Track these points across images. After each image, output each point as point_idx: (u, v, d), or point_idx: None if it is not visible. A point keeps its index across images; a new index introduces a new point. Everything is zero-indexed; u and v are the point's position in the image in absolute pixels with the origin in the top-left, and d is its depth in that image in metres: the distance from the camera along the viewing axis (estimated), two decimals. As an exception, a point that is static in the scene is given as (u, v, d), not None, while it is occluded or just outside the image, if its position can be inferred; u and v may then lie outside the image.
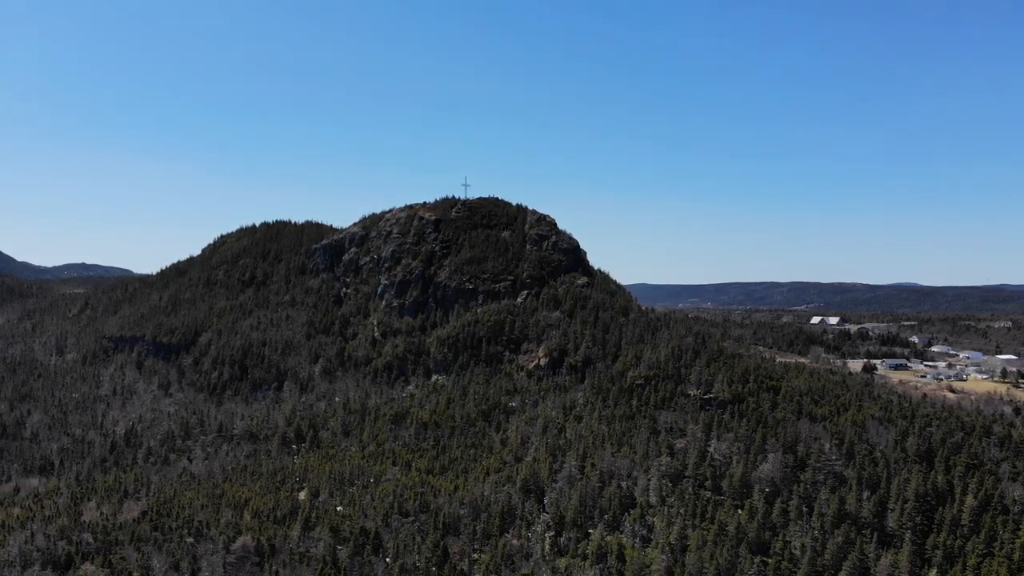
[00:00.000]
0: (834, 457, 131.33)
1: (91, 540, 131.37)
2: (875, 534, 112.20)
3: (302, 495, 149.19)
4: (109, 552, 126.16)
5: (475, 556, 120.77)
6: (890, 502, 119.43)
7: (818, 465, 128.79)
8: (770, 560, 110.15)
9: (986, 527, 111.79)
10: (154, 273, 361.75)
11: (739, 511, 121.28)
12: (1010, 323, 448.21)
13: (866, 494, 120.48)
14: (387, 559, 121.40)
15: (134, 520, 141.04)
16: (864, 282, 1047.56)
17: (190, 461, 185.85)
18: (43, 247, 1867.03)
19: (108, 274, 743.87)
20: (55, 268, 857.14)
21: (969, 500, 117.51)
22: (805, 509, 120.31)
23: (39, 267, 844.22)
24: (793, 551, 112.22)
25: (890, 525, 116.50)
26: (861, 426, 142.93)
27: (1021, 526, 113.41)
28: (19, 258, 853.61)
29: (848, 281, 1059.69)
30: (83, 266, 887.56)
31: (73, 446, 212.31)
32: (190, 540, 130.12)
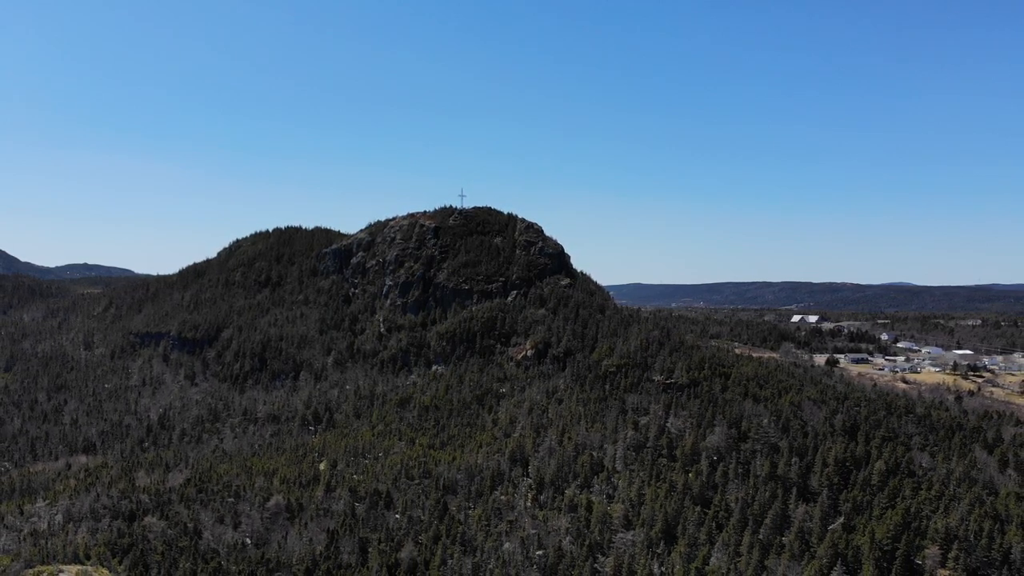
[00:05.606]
0: (771, 431, 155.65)
1: (147, 500, 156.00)
2: (795, 490, 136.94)
3: (322, 465, 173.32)
4: (165, 509, 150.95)
5: (470, 510, 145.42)
6: (814, 466, 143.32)
7: (756, 436, 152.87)
8: (709, 511, 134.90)
9: (891, 486, 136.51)
10: (157, 273, 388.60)
11: (688, 474, 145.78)
12: (980, 321, 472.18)
13: (795, 460, 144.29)
14: (397, 514, 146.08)
15: (181, 485, 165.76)
16: (856, 282, 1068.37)
17: (221, 440, 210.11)
18: (44, 248, 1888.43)
19: (110, 274, 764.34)
20: (58, 268, 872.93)
21: (879, 465, 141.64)
22: (742, 471, 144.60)
23: (42, 267, 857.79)
24: (729, 504, 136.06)
25: (812, 484, 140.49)
26: (798, 406, 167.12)
27: (922, 486, 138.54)
28: (23, 258, 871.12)
29: (839, 281, 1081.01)
30: (85, 266, 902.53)
31: (111, 429, 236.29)
32: (231, 500, 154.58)
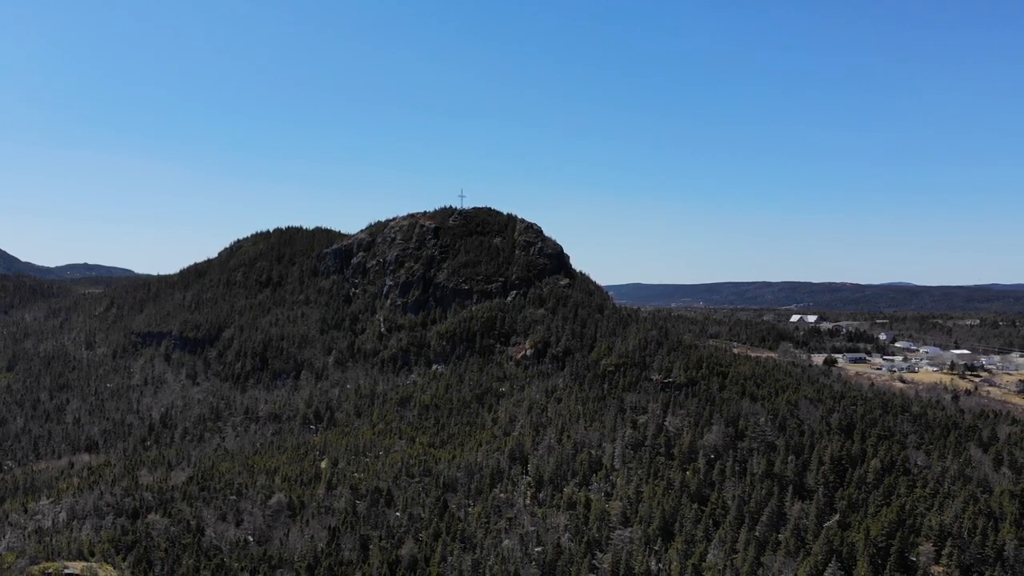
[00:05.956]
0: (768, 429, 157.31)
1: (150, 498, 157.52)
2: (791, 487, 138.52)
3: (323, 463, 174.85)
4: (168, 506, 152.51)
5: (469, 508, 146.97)
6: (810, 464, 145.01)
7: (753, 435, 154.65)
8: (706, 508, 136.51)
9: (886, 484, 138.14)
10: (157, 273, 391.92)
11: (685, 472, 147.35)
12: (978, 321, 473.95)
13: (791, 458, 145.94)
14: (397, 511, 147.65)
15: (183, 483, 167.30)
16: (856, 282, 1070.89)
17: (223, 439, 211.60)
18: (44, 248, 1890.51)
19: (111, 274, 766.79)
20: (58, 268, 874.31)
21: (875, 463, 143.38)
22: (739, 469, 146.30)
23: (43, 267, 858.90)
24: (726, 501, 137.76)
25: (808, 482, 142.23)
26: (794, 404, 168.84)
27: (917, 483, 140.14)
28: (23, 258, 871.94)
29: (839, 281, 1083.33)
30: (86, 266, 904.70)
31: (114, 428, 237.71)
32: (233, 497, 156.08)
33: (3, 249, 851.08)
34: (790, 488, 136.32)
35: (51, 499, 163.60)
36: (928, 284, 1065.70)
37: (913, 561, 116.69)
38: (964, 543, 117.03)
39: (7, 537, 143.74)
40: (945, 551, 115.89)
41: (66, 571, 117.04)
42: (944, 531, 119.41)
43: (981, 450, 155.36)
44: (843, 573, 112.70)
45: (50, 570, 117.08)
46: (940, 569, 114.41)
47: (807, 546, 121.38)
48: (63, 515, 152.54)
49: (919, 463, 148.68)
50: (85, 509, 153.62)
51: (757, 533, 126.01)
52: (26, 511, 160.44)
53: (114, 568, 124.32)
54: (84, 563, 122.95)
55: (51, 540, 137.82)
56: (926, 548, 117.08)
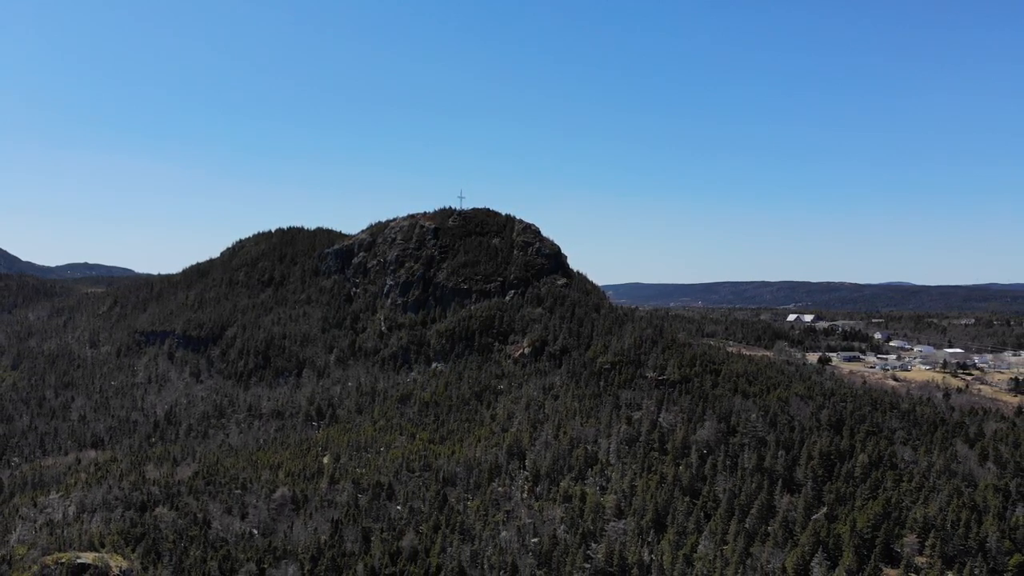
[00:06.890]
0: (759, 425, 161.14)
1: (157, 492, 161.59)
2: (781, 481, 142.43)
3: (326, 459, 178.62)
4: (174, 500, 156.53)
5: (468, 501, 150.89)
6: (800, 459, 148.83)
7: (745, 431, 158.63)
8: (698, 501, 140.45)
9: (873, 478, 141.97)
10: (157, 272, 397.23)
11: (678, 466, 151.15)
12: (973, 320, 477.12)
13: (781, 453, 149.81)
14: (398, 505, 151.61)
15: (189, 478, 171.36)
16: (854, 281, 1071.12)
17: (227, 435, 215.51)
18: (44, 247, 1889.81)
19: (111, 273, 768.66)
20: (59, 268, 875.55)
21: (863, 458, 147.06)
22: (730, 464, 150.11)
23: (43, 267, 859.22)
24: (718, 495, 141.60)
25: (797, 476, 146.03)
26: (785, 401, 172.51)
27: (903, 478, 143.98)
28: (24, 258, 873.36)
29: (837, 280, 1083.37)
30: (86, 266, 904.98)
31: (119, 425, 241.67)
32: (238, 491, 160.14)
33: (4, 249, 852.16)
34: (779, 482, 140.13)
35: (60, 494, 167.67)
36: (927, 284, 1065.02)
37: (897, 552, 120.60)
38: (947, 535, 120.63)
39: (18, 530, 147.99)
40: (929, 543, 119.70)
41: (78, 561, 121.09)
42: (928, 523, 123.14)
43: (967, 446, 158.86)
44: (829, 563, 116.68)
45: (63, 560, 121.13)
46: (923, 560, 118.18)
47: (795, 537, 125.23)
48: (72, 509, 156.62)
49: (906, 458, 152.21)
50: (94, 503, 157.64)
51: (747, 525, 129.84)
52: (35, 505, 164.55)
53: (124, 559, 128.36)
54: (95, 554, 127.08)
55: (62, 532, 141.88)
56: (910, 540, 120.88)
